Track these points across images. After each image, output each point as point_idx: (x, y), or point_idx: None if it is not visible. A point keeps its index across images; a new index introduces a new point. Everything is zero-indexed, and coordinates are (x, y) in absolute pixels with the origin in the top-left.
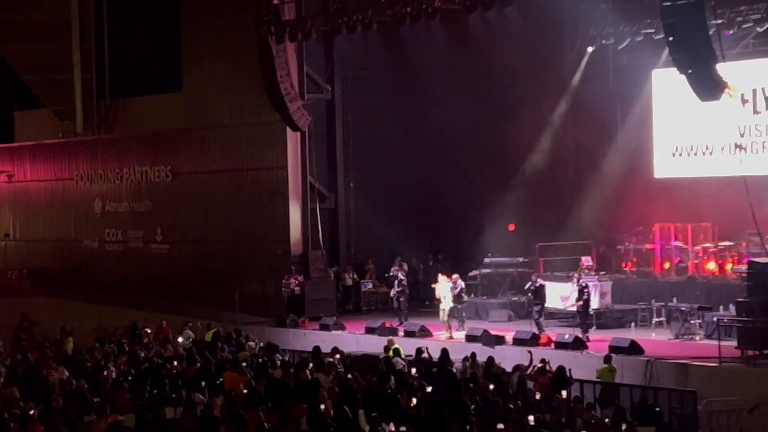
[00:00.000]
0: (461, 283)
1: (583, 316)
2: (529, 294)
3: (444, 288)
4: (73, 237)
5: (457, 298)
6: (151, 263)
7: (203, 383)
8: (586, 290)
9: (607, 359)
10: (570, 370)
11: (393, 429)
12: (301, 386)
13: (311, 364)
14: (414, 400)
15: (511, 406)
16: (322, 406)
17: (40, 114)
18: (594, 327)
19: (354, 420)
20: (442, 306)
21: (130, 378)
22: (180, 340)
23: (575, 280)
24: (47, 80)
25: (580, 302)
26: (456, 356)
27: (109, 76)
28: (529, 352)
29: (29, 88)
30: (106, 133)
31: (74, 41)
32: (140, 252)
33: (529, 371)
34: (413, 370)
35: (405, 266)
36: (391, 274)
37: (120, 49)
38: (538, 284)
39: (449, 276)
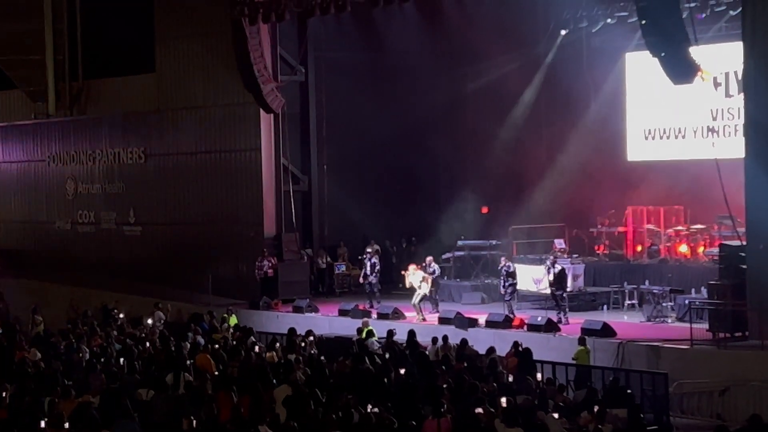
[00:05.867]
0: (436, 266)
1: (560, 299)
2: (503, 276)
3: (415, 277)
4: (45, 218)
5: (434, 282)
6: (123, 245)
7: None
8: (564, 274)
9: (582, 341)
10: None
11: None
12: (274, 368)
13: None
14: (387, 382)
15: (485, 389)
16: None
17: (12, 95)
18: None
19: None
20: (417, 292)
21: (102, 360)
22: (150, 321)
23: (550, 263)
24: (19, 61)
25: (556, 286)
26: (428, 339)
27: (82, 56)
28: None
29: (1, 68)
30: (79, 114)
31: (47, 22)
32: (113, 234)
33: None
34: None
35: (378, 249)
36: (364, 256)
37: (93, 29)
38: (510, 268)
39: (419, 264)
